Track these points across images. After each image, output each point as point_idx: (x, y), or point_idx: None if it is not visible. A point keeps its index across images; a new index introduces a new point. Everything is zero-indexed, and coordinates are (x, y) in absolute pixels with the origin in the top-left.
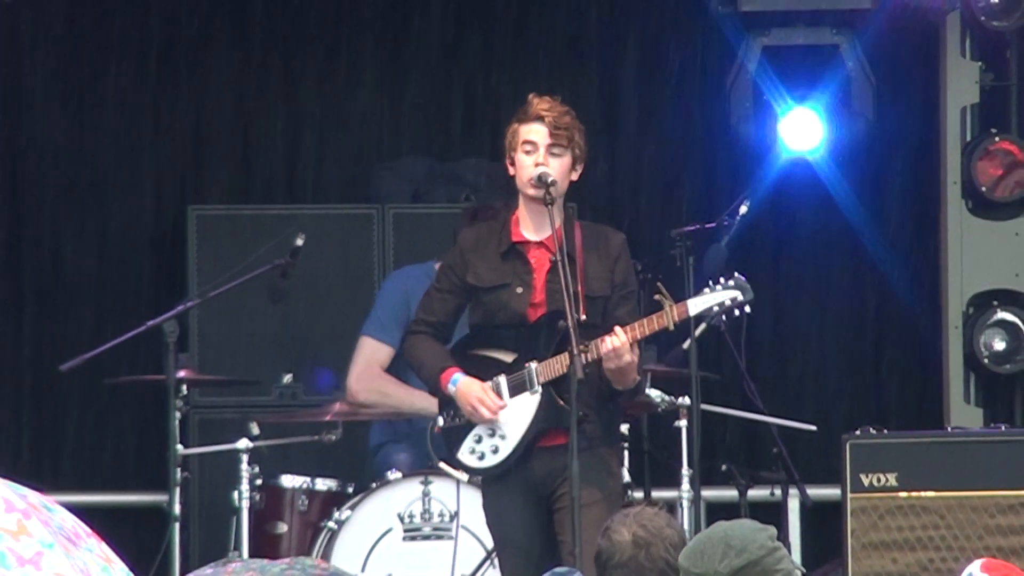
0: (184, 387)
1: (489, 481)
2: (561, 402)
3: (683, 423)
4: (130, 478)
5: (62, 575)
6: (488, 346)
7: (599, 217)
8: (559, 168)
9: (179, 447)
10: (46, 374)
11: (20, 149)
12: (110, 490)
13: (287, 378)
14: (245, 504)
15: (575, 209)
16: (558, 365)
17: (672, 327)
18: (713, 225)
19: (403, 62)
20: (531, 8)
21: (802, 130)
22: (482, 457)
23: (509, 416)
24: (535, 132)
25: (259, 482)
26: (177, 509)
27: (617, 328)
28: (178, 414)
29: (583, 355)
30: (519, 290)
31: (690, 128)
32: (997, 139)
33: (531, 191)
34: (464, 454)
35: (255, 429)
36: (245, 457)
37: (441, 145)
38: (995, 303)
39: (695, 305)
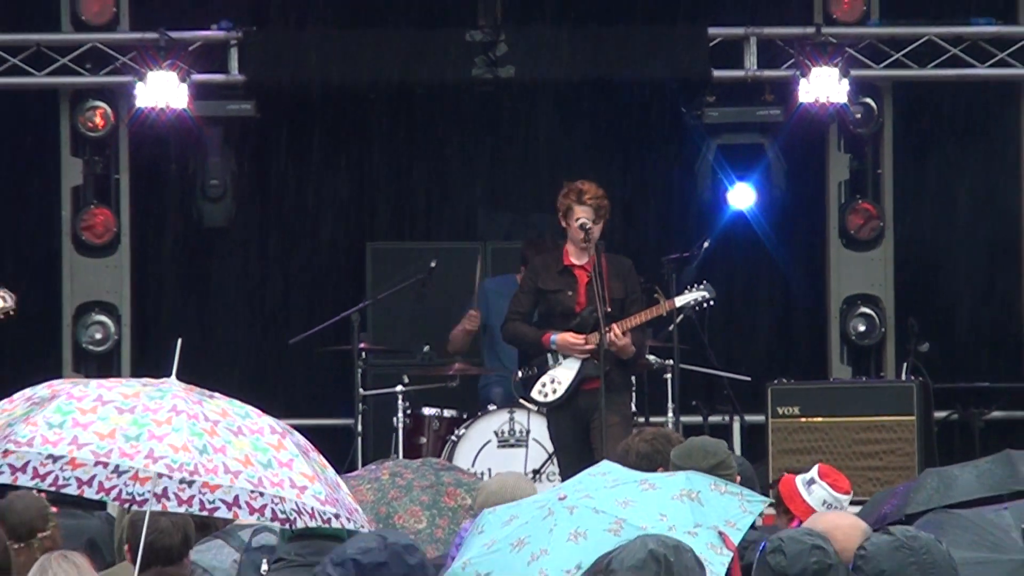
0: (363, 353)
1: (551, 411)
2: (595, 361)
3: (669, 376)
4: (330, 409)
5: (305, 473)
6: (550, 328)
7: (620, 249)
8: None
9: (360, 390)
10: (280, 345)
11: (265, 205)
12: (319, 416)
13: (426, 348)
14: (400, 426)
15: (603, 245)
16: (593, 339)
17: (665, 314)
18: (687, 254)
19: (499, 153)
20: (576, 118)
21: (741, 196)
22: (546, 396)
23: (563, 370)
24: (582, 212)
25: (409, 412)
26: (359, 429)
27: (614, 325)
28: (360, 369)
29: (606, 335)
30: (570, 293)
31: (672, 194)
32: (860, 202)
33: (579, 242)
34: (535, 393)
35: (406, 379)
36: (400, 396)
37: (523, 203)
38: (859, 302)
39: (680, 300)
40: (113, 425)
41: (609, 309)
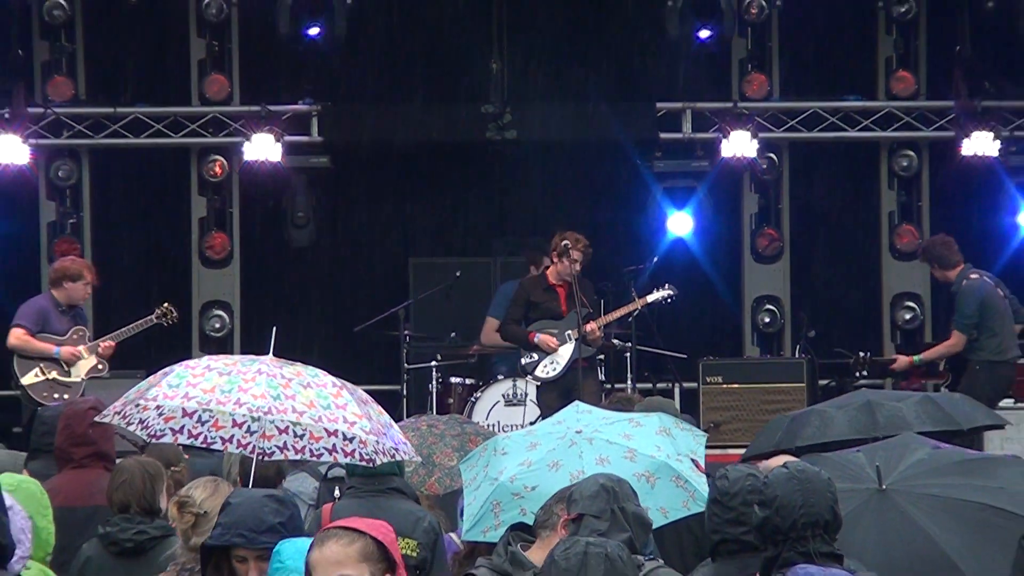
0: (407, 338)
1: (543, 386)
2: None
3: (628, 354)
4: (383, 378)
5: (356, 413)
6: (542, 329)
7: (593, 261)
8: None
9: (405, 364)
10: (347, 332)
11: (337, 231)
12: (375, 384)
13: (452, 334)
14: (433, 391)
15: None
16: (577, 332)
17: (640, 309)
18: (642, 266)
19: (505, 193)
20: (561, 167)
21: (681, 224)
22: (548, 373)
23: (559, 355)
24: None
25: (440, 380)
26: (404, 392)
27: (592, 322)
28: (405, 349)
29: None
30: (554, 304)
31: (630, 222)
32: (765, 228)
33: (566, 274)
34: (539, 372)
35: (439, 357)
36: (434, 369)
37: (523, 228)
38: (765, 301)
39: (651, 297)
40: (214, 383)
41: (591, 311)
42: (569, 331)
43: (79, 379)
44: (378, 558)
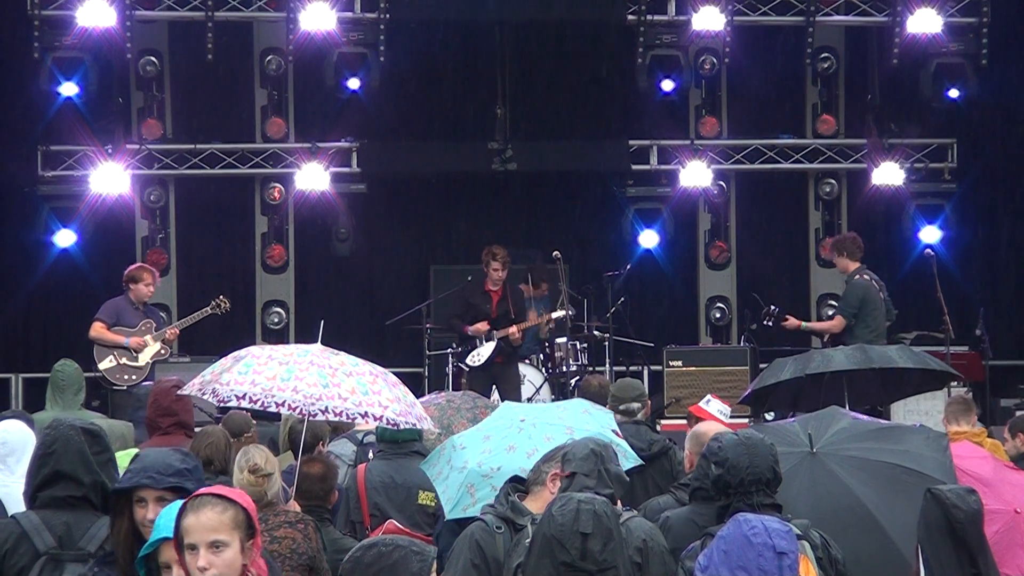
0: (428, 330)
1: (472, 371)
2: (504, 344)
3: (607, 343)
4: (409, 362)
5: (389, 398)
6: (475, 322)
7: (578, 269)
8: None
9: (427, 351)
10: (380, 325)
11: (371, 243)
12: (403, 367)
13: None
14: (450, 372)
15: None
16: (504, 332)
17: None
18: (618, 272)
19: (507, 212)
20: (552, 192)
21: (648, 238)
22: (475, 361)
23: (484, 349)
24: (495, 265)
25: (455, 364)
26: (426, 374)
27: (514, 326)
28: (427, 339)
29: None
30: (487, 306)
31: (608, 237)
32: (717, 241)
33: (494, 281)
34: (468, 360)
35: (454, 345)
36: (450, 355)
37: (521, 241)
38: (716, 300)
39: (555, 314)
40: (275, 372)
41: (514, 316)
42: (495, 331)
43: (145, 363)
44: (246, 526)
